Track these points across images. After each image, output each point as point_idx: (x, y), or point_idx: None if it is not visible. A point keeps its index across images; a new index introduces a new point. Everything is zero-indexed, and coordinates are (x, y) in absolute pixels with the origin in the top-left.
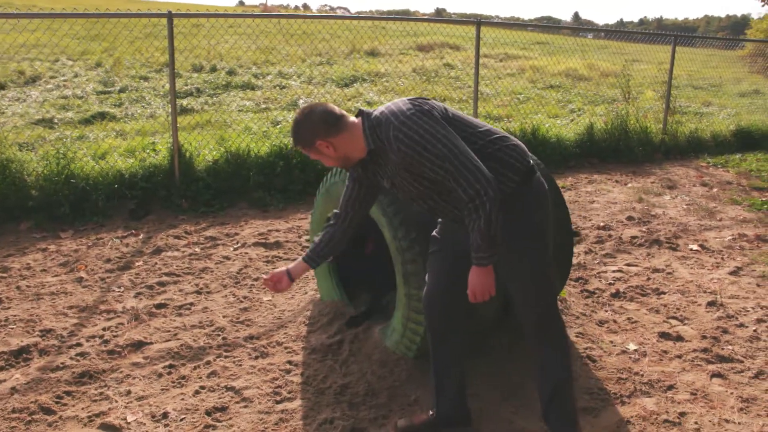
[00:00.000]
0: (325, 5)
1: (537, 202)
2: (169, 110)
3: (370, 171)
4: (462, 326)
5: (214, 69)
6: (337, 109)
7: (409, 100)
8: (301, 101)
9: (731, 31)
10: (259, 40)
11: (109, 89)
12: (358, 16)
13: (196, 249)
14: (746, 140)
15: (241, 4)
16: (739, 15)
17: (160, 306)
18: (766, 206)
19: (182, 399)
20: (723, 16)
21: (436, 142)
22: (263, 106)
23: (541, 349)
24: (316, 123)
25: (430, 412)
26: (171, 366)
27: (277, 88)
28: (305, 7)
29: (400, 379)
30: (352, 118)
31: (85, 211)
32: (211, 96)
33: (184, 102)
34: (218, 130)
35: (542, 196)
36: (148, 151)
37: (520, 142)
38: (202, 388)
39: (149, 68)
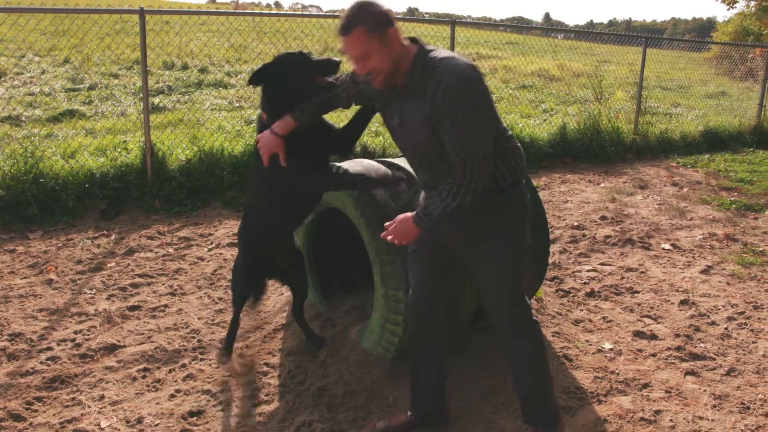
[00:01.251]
0: (297, 3)
1: (522, 204)
2: (141, 108)
3: (385, 99)
4: (443, 328)
5: (185, 67)
6: None
7: (470, 64)
8: None
9: (698, 33)
10: (232, 38)
11: (78, 86)
12: (332, 15)
13: (170, 250)
14: (714, 141)
15: (213, 1)
16: (705, 18)
17: (133, 308)
18: (734, 206)
19: (157, 403)
20: (690, 18)
21: (475, 122)
22: (236, 104)
23: (515, 349)
24: (388, 11)
25: (408, 413)
26: (145, 369)
27: (251, 86)
28: (277, 5)
29: (379, 381)
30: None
31: (54, 212)
32: (183, 94)
33: (156, 100)
34: (191, 129)
35: (527, 199)
36: (119, 150)
37: (519, 145)
38: (178, 391)
39: (119, 65)
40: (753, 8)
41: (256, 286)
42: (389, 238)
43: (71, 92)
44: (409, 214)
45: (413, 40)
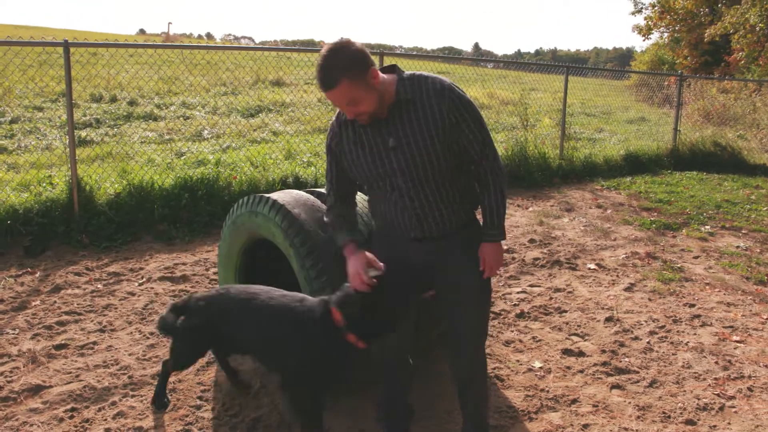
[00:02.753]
0: (229, 35)
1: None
2: (67, 142)
3: (374, 128)
4: (410, 352)
5: (114, 99)
6: None
7: (455, 85)
8: (206, 132)
9: (618, 62)
10: (162, 69)
11: None
12: (263, 47)
13: (99, 285)
14: (635, 164)
15: (143, 32)
16: (624, 48)
17: (60, 347)
18: (654, 225)
19: None
20: (611, 48)
21: (483, 121)
22: (167, 137)
23: (470, 376)
24: (363, 51)
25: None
26: (73, 409)
27: (181, 118)
28: (209, 36)
29: None
30: None
31: None
32: (112, 127)
33: (83, 133)
34: (120, 162)
35: None
36: (44, 184)
37: None
38: (108, 430)
39: (44, 98)
40: (666, 39)
41: None
42: (494, 273)
43: None
44: (487, 248)
45: (390, 68)
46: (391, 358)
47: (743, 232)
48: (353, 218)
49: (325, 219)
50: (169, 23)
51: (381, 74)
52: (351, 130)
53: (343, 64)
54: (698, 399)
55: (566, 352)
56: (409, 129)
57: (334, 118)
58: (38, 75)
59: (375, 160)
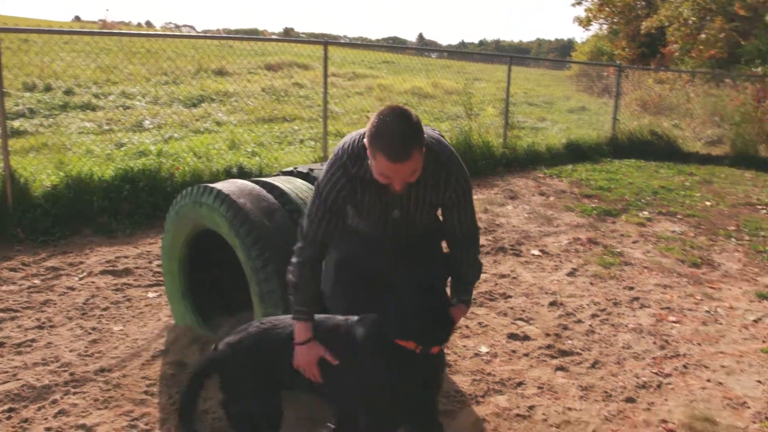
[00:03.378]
0: (170, 23)
1: None
2: None
3: (384, 195)
4: None
5: (49, 88)
6: None
7: (441, 135)
8: (147, 122)
9: (560, 53)
10: (99, 58)
11: None
12: (205, 36)
13: (36, 281)
14: (576, 152)
15: (78, 19)
16: (566, 39)
17: None
18: (595, 212)
19: None
20: (553, 39)
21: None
22: (106, 127)
23: None
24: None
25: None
26: (11, 410)
27: (121, 108)
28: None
29: None
30: None
31: None
32: (47, 117)
33: (16, 123)
34: (56, 154)
35: None
36: None
37: None
38: (49, 429)
39: None
40: (605, 31)
41: None
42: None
43: None
44: (460, 310)
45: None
46: None
47: (678, 217)
48: (318, 283)
49: (290, 267)
50: (107, 10)
51: None
52: (359, 187)
53: (418, 136)
54: (637, 377)
55: (512, 336)
56: (419, 201)
57: (340, 172)
58: None
59: (377, 223)
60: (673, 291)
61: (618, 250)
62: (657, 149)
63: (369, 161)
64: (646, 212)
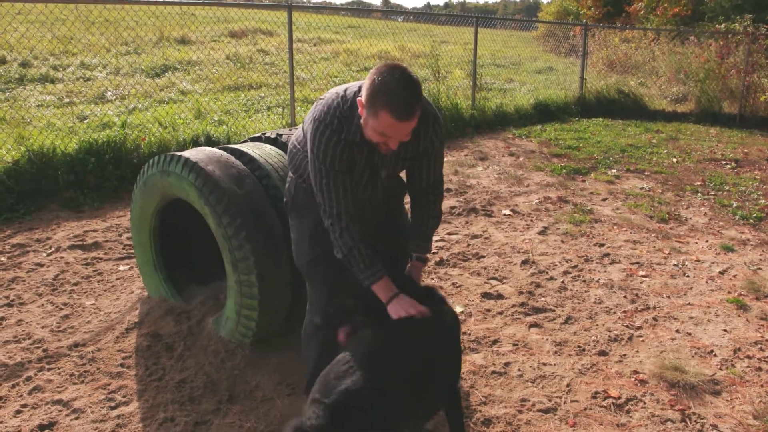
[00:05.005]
0: None
1: None
2: None
3: (379, 157)
4: None
5: (3, 61)
6: None
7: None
8: (109, 93)
9: (526, 13)
10: (55, 27)
11: None
12: (164, 1)
13: (2, 258)
14: (544, 112)
15: None
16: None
17: None
18: (564, 171)
19: (1, 422)
20: (518, 0)
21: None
22: (66, 100)
23: None
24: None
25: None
26: None
27: (81, 80)
28: None
29: (240, 367)
30: None
31: None
32: (3, 91)
33: None
34: (15, 128)
35: None
36: None
37: None
38: (24, 406)
39: None
40: None
41: None
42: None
43: None
44: (416, 267)
45: None
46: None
47: (646, 174)
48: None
49: (337, 253)
50: None
51: None
52: (355, 149)
53: (420, 94)
54: (609, 331)
55: (486, 295)
56: (394, 159)
57: (334, 136)
58: None
59: (367, 184)
60: (642, 246)
61: (588, 208)
62: (624, 108)
63: (361, 121)
64: (614, 170)
